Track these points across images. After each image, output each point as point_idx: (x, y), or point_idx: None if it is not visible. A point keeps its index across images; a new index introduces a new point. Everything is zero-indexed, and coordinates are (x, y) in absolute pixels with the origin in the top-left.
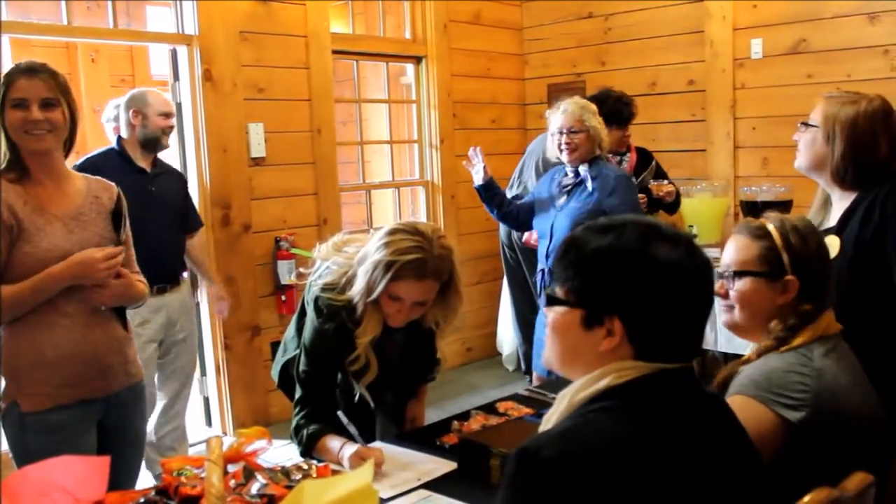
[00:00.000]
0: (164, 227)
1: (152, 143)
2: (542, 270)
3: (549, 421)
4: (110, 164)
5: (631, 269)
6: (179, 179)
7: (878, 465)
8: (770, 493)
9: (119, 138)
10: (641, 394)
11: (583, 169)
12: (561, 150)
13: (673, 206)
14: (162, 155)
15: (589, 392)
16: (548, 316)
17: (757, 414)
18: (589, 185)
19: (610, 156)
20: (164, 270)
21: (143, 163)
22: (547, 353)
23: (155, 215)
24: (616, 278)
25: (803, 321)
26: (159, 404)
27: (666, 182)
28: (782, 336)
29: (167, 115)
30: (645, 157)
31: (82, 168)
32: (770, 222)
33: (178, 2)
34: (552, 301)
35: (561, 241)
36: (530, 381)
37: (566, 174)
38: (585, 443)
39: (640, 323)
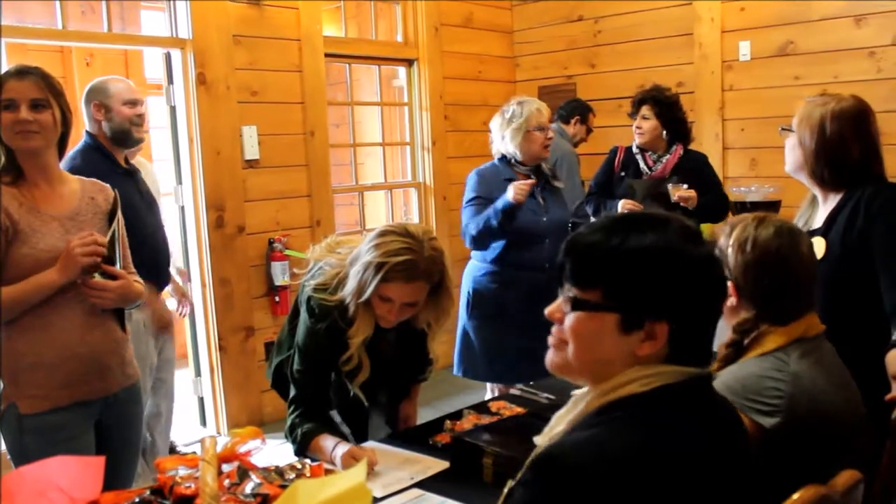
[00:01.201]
0: (160, 229)
1: (122, 138)
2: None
3: (563, 420)
4: (97, 167)
5: (678, 267)
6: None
7: (866, 462)
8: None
9: (90, 134)
10: (665, 405)
11: (548, 167)
12: (545, 147)
13: (691, 213)
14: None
15: (610, 397)
16: (567, 321)
17: None
18: (562, 183)
19: (648, 154)
20: (167, 275)
21: (120, 161)
22: (565, 358)
23: (153, 219)
24: (664, 278)
25: (742, 335)
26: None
27: (685, 186)
28: (727, 355)
29: (134, 104)
30: (688, 161)
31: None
32: (739, 224)
33: (171, 6)
34: (581, 305)
35: (571, 241)
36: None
37: (517, 173)
38: (610, 452)
39: (685, 325)
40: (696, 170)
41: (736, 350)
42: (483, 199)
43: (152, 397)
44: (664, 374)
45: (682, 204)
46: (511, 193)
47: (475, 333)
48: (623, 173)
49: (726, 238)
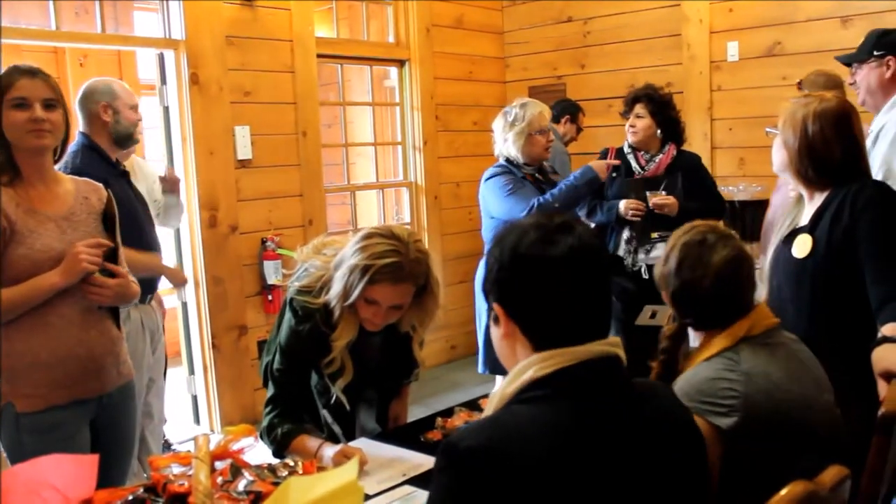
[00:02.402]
0: (153, 231)
1: (126, 140)
2: None
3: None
4: (97, 168)
5: (492, 257)
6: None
7: (849, 455)
8: (705, 478)
9: (86, 135)
10: (564, 385)
11: (548, 164)
12: (546, 149)
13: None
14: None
15: (516, 385)
16: None
17: None
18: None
19: (640, 153)
20: (158, 276)
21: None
22: None
23: (147, 220)
24: (486, 268)
25: (672, 340)
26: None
27: (664, 193)
28: (663, 360)
29: (136, 108)
30: (682, 161)
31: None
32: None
33: (164, 7)
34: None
35: None
36: None
37: (525, 175)
38: (506, 431)
39: (509, 302)
40: (690, 170)
41: (670, 357)
42: (522, 184)
43: (143, 397)
44: (559, 358)
45: (657, 211)
46: (600, 172)
47: None
48: (614, 174)
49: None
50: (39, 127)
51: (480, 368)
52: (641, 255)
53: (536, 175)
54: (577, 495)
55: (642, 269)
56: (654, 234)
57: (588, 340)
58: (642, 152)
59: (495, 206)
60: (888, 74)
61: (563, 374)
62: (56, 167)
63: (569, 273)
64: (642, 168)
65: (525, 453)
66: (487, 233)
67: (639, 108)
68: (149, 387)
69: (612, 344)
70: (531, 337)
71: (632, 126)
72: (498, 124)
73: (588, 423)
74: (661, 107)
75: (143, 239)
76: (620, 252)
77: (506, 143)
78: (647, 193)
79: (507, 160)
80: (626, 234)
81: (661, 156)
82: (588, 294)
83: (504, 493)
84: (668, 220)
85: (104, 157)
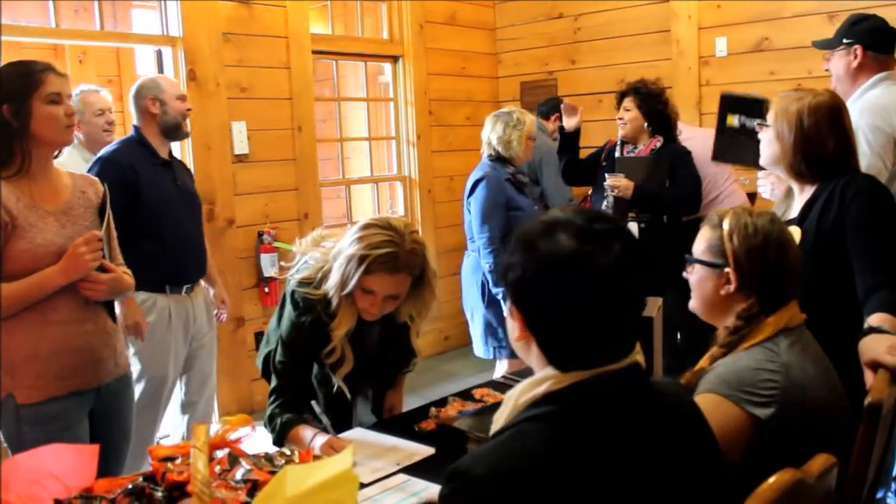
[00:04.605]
0: (196, 222)
1: (174, 130)
2: None
3: (497, 421)
4: (135, 156)
5: (515, 255)
6: (188, 171)
7: (842, 446)
8: (727, 490)
9: (137, 128)
10: (577, 401)
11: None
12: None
13: (628, 203)
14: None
15: (530, 395)
16: None
17: (728, 412)
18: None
19: (626, 146)
20: (200, 268)
21: (163, 153)
22: None
23: (188, 210)
24: (510, 263)
25: (747, 321)
26: (178, 406)
27: (622, 176)
28: (730, 341)
29: (184, 98)
30: (666, 154)
31: (104, 159)
32: (730, 214)
33: (162, 4)
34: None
35: None
36: None
37: (512, 175)
38: (514, 459)
39: (530, 313)
40: (671, 163)
41: (740, 337)
42: (500, 201)
43: (187, 386)
44: (578, 374)
45: (612, 193)
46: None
47: (499, 318)
48: (605, 163)
49: (715, 229)
50: (71, 122)
51: (483, 353)
52: None
53: (517, 175)
54: None
55: None
56: (632, 213)
57: (614, 361)
58: (628, 145)
59: (475, 214)
60: (854, 64)
61: (576, 390)
62: (98, 155)
63: (605, 292)
64: None
65: (532, 482)
66: (471, 230)
67: (627, 102)
68: (191, 377)
69: (633, 353)
70: (548, 354)
71: (620, 118)
72: (499, 125)
73: (598, 446)
74: (648, 99)
75: (175, 233)
76: None
77: (510, 143)
78: (606, 175)
79: (499, 158)
80: None
81: (641, 147)
82: (624, 313)
83: None
84: (645, 202)
85: (146, 147)
